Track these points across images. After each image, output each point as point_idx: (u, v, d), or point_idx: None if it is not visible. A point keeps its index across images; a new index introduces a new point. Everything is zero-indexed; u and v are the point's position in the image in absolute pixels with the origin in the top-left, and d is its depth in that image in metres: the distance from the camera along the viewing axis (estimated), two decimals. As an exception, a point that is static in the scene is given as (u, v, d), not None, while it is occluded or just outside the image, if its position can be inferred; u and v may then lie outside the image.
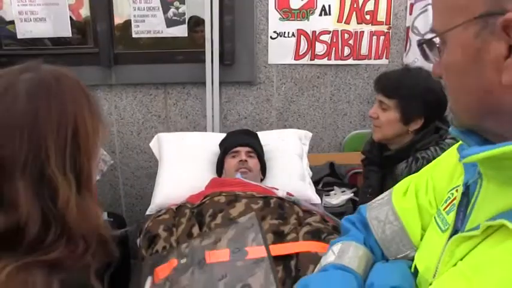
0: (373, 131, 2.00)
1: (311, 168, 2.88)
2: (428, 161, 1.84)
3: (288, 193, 2.21)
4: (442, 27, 0.70)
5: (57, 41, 3.03)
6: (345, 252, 1.07)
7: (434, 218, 0.91)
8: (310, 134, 2.98)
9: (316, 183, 2.84)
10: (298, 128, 3.18)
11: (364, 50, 3.12)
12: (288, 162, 2.70)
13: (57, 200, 0.75)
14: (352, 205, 2.70)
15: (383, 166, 2.00)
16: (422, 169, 1.16)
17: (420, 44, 0.78)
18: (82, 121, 0.82)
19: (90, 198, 0.80)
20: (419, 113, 1.88)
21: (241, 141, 2.59)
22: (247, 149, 2.55)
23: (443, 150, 1.81)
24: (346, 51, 3.11)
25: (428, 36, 0.75)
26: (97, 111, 0.85)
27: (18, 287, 0.66)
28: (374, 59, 3.15)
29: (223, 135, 2.76)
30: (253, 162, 2.50)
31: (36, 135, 0.76)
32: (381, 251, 1.10)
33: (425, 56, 0.78)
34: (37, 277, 0.68)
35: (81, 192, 0.79)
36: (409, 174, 1.86)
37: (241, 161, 2.47)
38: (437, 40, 0.73)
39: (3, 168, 0.73)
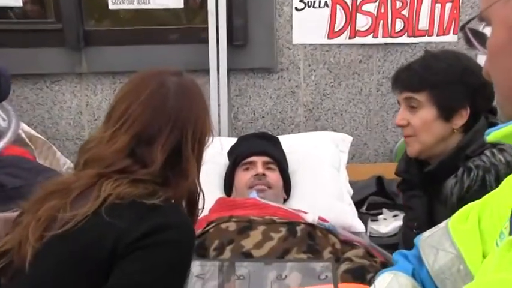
0: (407, 144, 1.96)
1: (351, 184, 2.83)
2: (486, 170, 1.74)
3: (320, 218, 2.21)
4: (484, 5, 0.85)
5: (2, 14, 2.97)
6: (387, 283, 1.17)
7: (496, 241, 0.96)
8: (350, 138, 2.97)
9: (358, 204, 2.83)
10: (334, 130, 3.14)
11: (423, 24, 3.09)
12: (321, 176, 2.71)
13: (183, 170, 1.43)
14: (408, 234, 2.70)
15: (426, 188, 1.95)
16: (487, 194, 1.16)
17: (463, 28, 0.91)
18: (206, 122, 1.49)
19: (198, 174, 1.48)
20: (462, 101, 1.84)
21: (257, 148, 2.61)
22: (265, 158, 2.56)
23: (503, 152, 1.74)
24: (399, 25, 3.09)
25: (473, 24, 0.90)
26: (210, 116, 1.54)
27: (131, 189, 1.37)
28: (437, 35, 3.11)
29: (233, 140, 2.79)
30: (274, 177, 2.52)
31: (179, 124, 1.43)
32: (434, 286, 1.16)
33: (469, 42, 0.91)
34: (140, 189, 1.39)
35: (198, 169, 1.49)
36: (462, 193, 1.78)
37: (257, 175, 2.48)
38: (482, 27, 0.88)
39: (149, 137, 1.41)
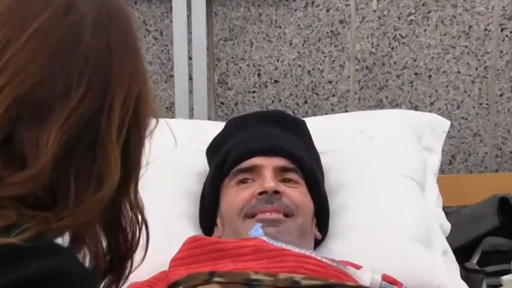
0: None
1: (449, 213, 2.85)
2: None
3: (385, 277, 2.25)
4: None
5: None
6: None
7: None
8: (446, 124, 2.97)
9: (463, 252, 2.83)
10: (415, 108, 3.19)
11: None
12: (387, 196, 2.76)
13: (93, 172, 1.37)
14: None
15: None
16: None
17: None
18: (146, 82, 1.47)
19: (132, 183, 1.46)
20: None
21: (264, 141, 2.67)
22: (279, 161, 2.60)
23: None
24: None
25: None
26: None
27: None
28: None
29: (219, 126, 2.84)
30: (296, 197, 2.54)
31: (100, 82, 1.37)
32: None
33: None
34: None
35: (127, 182, 1.45)
36: None
37: (263, 193, 2.50)
38: None
39: (41, 106, 1.34)
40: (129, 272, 1.50)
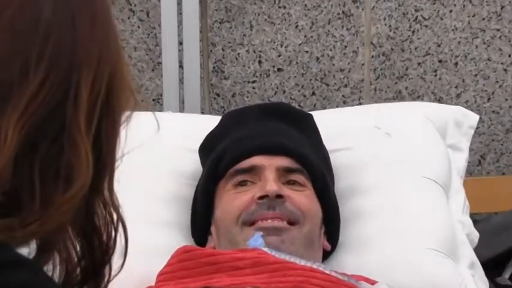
0: None
1: (477, 222, 2.86)
2: None
3: None
4: None
5: None
6: None
7: None
8: (474, 119, 2.96)
9: (494, 265, 2.83)
10: (439, 101, 3.19)
11: None
12: (406, 201, 2.77)
13: (61, 168, 1.34)
14: None
15: None
16: None
17: None
18: (120, 63, 1.44)
19: (105, 180, 1.44)
20: None
21: (265, 138, 2.68)
22: (283, 161, 2.61)
23: None
24: None
25: None
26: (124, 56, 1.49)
27: None
28: None
29: (214, 120, 2.85)
30: (302, 202, 2.54)
31: (64, 62, 1.34)
32: None
33: None
34: None
35: (101, 177, 1.43)
36: None
37: (264, 197, 2.50)
38: None
39: None
40: (108, 281, 1.47)
